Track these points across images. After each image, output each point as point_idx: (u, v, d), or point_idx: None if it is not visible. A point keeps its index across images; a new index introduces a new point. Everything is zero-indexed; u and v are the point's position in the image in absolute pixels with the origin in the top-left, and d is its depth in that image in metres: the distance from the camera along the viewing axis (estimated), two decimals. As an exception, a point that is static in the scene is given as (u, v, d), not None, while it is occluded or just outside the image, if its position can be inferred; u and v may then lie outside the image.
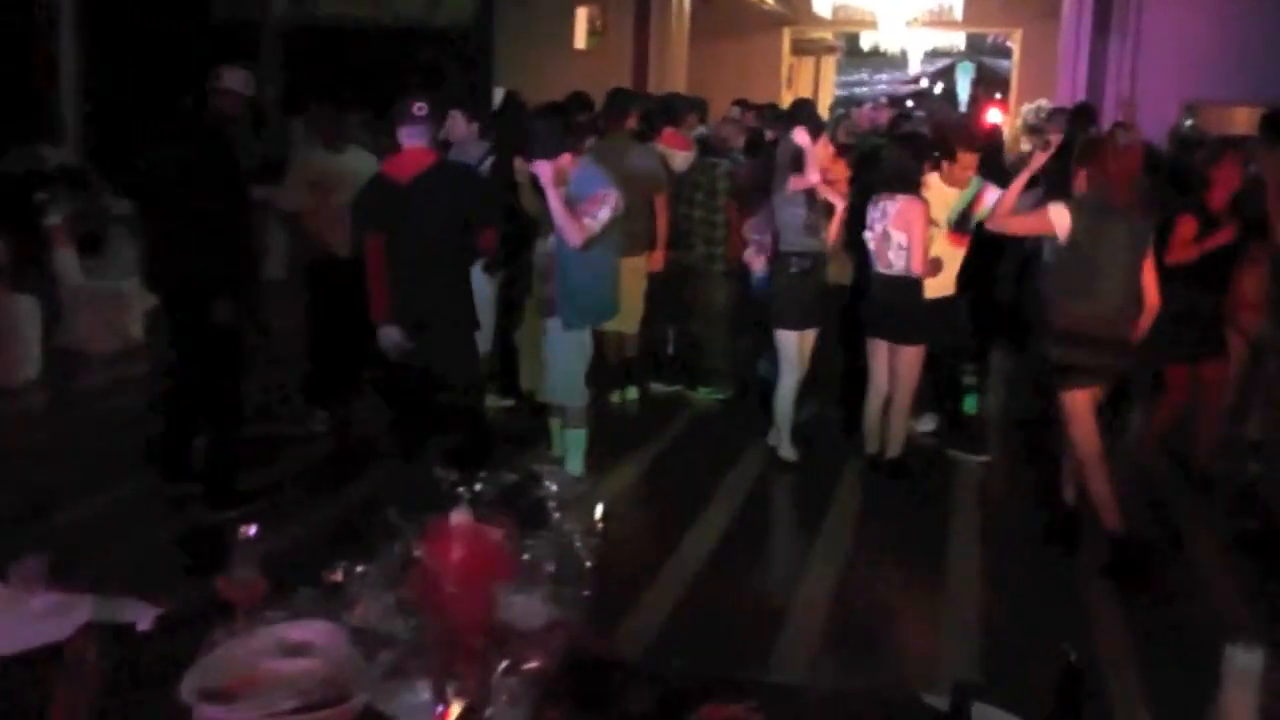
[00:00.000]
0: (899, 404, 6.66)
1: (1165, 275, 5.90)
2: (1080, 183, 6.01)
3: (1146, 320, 5.68)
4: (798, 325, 6.82)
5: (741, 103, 10.62)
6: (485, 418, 6.29)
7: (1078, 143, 6.84)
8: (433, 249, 5.64)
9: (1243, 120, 13.95)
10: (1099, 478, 5.62)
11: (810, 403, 7.44)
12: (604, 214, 5.84)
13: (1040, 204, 6.10)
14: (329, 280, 6.87)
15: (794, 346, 6.84)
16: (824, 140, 6.80)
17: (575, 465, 6.24)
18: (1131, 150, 5.80)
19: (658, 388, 8.50)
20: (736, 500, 6.51)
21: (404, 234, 5.61)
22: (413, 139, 5.68)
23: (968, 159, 6.71)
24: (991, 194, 6.48)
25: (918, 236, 6.34)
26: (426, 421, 6.01)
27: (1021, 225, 6.09)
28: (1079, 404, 5.63)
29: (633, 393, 8.25)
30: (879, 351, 6.70)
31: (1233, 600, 5.48)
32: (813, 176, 6.57)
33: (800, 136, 6.61)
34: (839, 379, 7.62)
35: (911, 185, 6.46)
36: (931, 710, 1.74)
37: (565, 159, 5.83)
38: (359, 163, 6.91)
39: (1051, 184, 6.96)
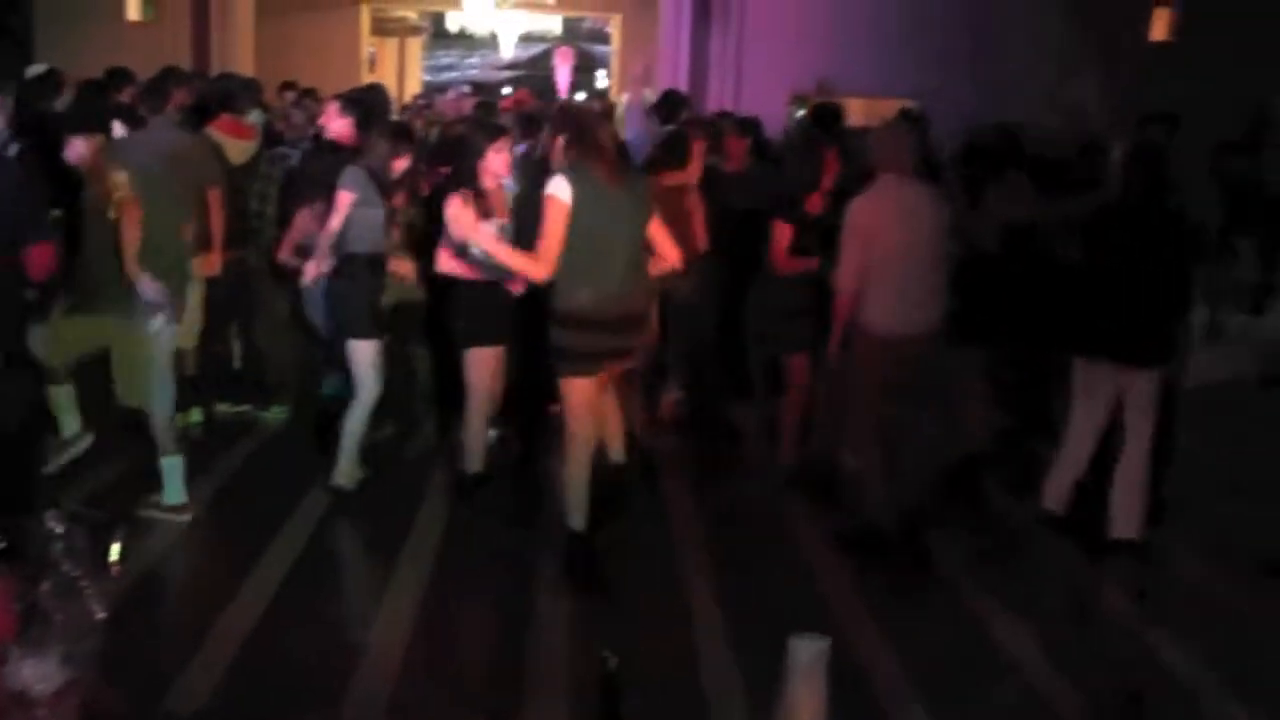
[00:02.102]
0: (471, 412, 6.73)
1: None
2: (557, 153, 6.08)
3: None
4: (373, 334, 6.77)
5: (290, 85, 10.51)
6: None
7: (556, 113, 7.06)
8: None
9: (857, 111, 15.05)
10: (580, 469, 5.90)
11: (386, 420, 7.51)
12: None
13: None
14: None
15: (370, 359, 6.77)
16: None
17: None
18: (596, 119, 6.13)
19: (224, 409, 8.24)
20: (307, 531, 6.44)
21: None
22: None
23: None
24: None
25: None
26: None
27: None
28: (579, 392, 5.87)
29: (196, 415, 7.94)
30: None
31: (839, 594, 5.96)
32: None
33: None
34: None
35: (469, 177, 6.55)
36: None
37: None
38: None
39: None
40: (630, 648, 5.05)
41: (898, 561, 6.31)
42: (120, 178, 6.07)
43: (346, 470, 6.87)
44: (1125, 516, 6.48)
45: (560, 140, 5.93)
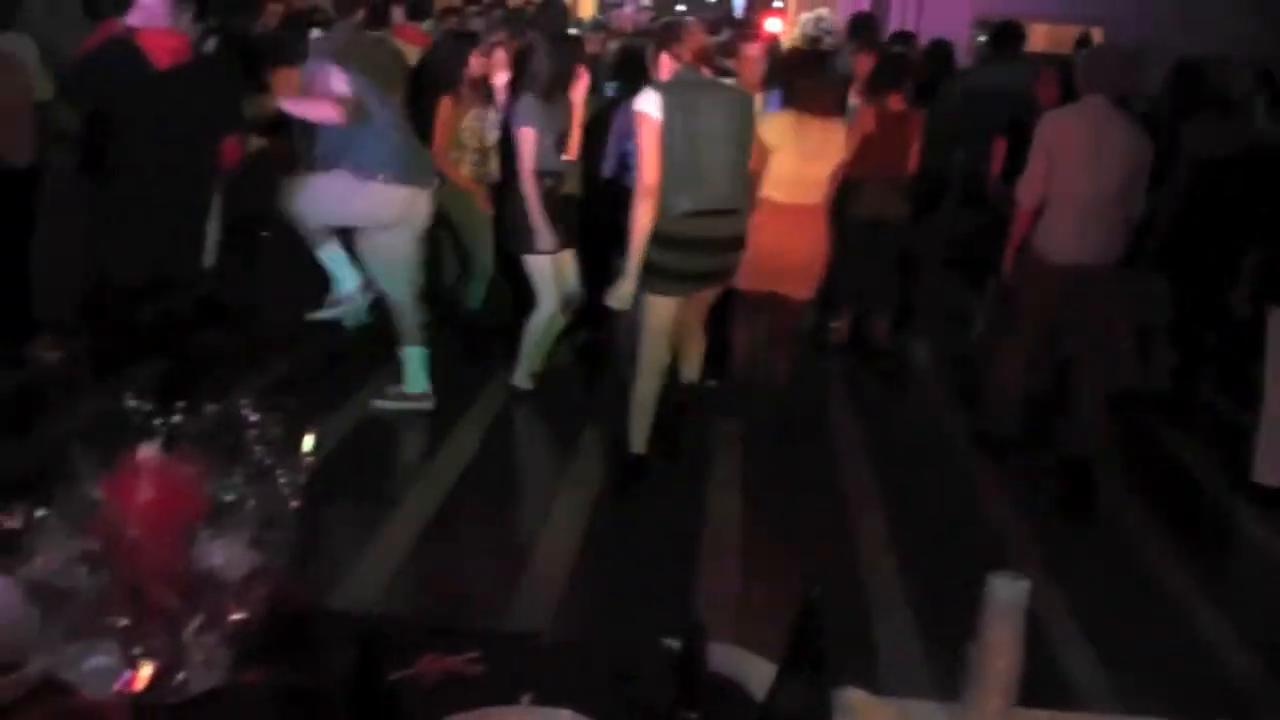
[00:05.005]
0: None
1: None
2: (663, 67, 5.64)
3: None
4: (550, 248, 6.78)
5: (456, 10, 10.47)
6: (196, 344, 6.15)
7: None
8: (180, 158, 5.41)
9: (1040, 38, 14.56)
10: (649, 394, 5.78)
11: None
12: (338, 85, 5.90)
13: None
14: None
15: (546, 272, 6.81)
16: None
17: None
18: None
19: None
20: (476, 435, 6.49)
21: (149, 132, 5.32)
22: (157, 12, 5.35)
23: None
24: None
25: None
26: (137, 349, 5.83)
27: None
28: (659, 312, 5.66)
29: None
30: None
31: (1012, 531, 5.83)
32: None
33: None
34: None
35: None
36: (667, 653, 1.77)
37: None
38: (22, 49, 6.59)
39: None
40: (796, 572, 5.11)
41: (1068, 500, 6.16)
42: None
43: (521, 371, 6.98)
44: None
45: (663, 54, 5.64)
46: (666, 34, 5.68)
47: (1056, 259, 6.09)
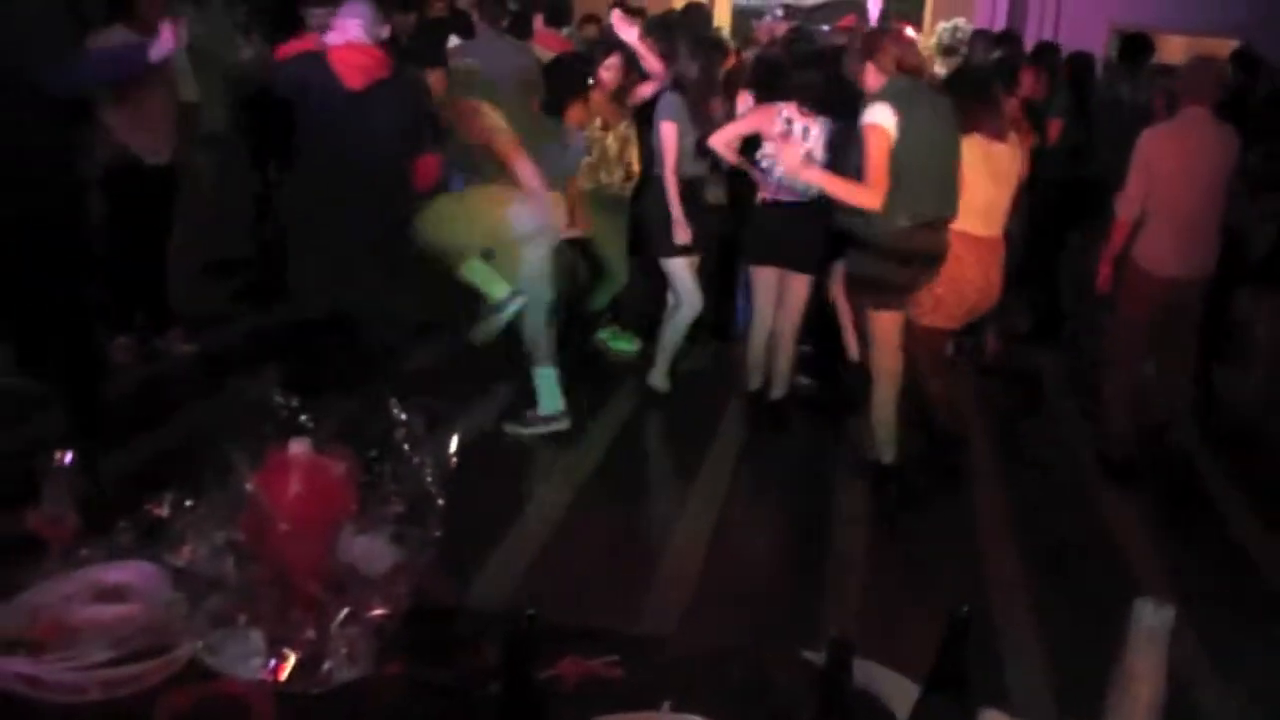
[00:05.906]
0: (786, 338, 6.62)
1: None
2: (870, 78, 5.49)
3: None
4: (683, 251, 6.76)
5: (620, 3, 10.44)
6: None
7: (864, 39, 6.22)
8: (373, 181, 5.34)
9: (1176, 50, 14.22)
10: (890, 407, 5.75)
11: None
12: None
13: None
14: (132, 191, 6.59)
15: (686, 274, 6.82)
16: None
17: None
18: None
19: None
20: (607, 439, 6.50)
21: (345, 156, 5.27)
22: (354, 31, 5.26)
23: None
24: None
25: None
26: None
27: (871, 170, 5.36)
28: (889, 325, 5.63)
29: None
30: (765, 281, 6.63)
31: (1139, 554, 5.65)
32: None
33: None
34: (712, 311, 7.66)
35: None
36: (809, 666, 1.75)
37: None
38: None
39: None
40: (922, 590, 5.05)
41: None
42: (497, 120, 5.88)
43: (659, 372, 6.99)
44: None
45: (869, 64, 5.54)
46: (871, 44, 5.54)
47: (1156, 272, 6.09)
